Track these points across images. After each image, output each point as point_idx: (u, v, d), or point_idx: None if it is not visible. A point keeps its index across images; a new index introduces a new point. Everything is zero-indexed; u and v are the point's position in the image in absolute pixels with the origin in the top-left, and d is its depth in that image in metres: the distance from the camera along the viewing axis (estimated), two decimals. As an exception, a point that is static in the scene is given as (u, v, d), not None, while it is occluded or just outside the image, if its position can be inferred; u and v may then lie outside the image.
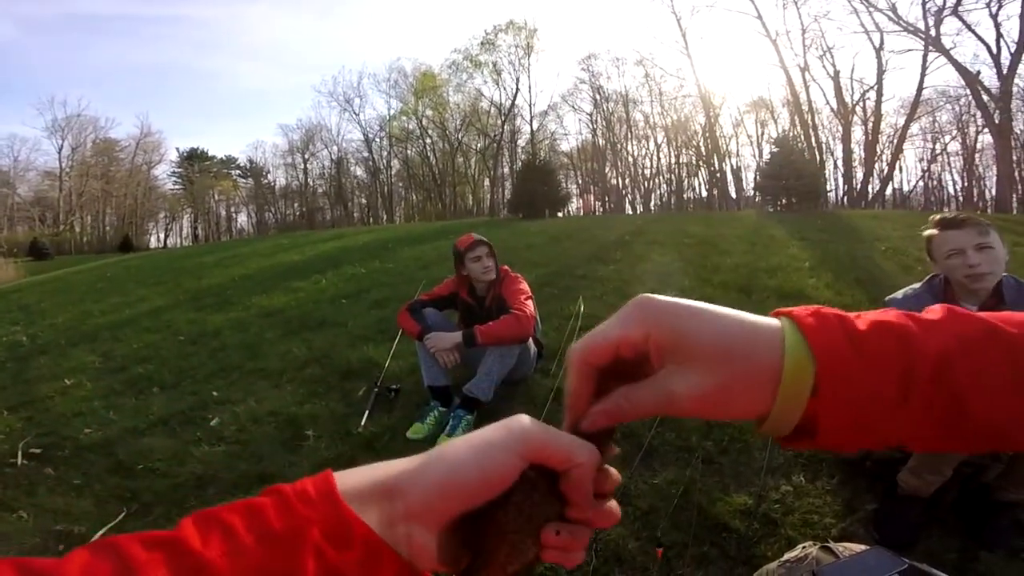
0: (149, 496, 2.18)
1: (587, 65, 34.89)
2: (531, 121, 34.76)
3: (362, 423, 2.56)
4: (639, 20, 60.77)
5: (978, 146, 27.52)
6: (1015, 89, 20.23)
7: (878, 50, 25.43)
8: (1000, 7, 20.24)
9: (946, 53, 21.86)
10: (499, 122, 34.75)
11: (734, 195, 31.86)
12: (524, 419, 0.32)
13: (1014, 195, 21.66)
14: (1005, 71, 20.36)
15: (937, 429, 0.30)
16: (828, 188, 25.50)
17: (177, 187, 44.55)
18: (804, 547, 1.23)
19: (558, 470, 0.32)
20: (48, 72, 59.02)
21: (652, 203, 35.96)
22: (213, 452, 2.49)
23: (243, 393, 3.17)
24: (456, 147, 36.40)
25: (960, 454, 1.56)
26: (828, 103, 28.58)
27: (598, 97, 35.01)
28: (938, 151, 29.51)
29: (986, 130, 23.56)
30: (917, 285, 1.79)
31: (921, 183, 31.27)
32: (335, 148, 39.84)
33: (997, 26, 20.62)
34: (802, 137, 25.81)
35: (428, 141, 36.89)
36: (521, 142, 35.40)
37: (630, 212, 31.60)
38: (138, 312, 6.04)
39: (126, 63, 64.23)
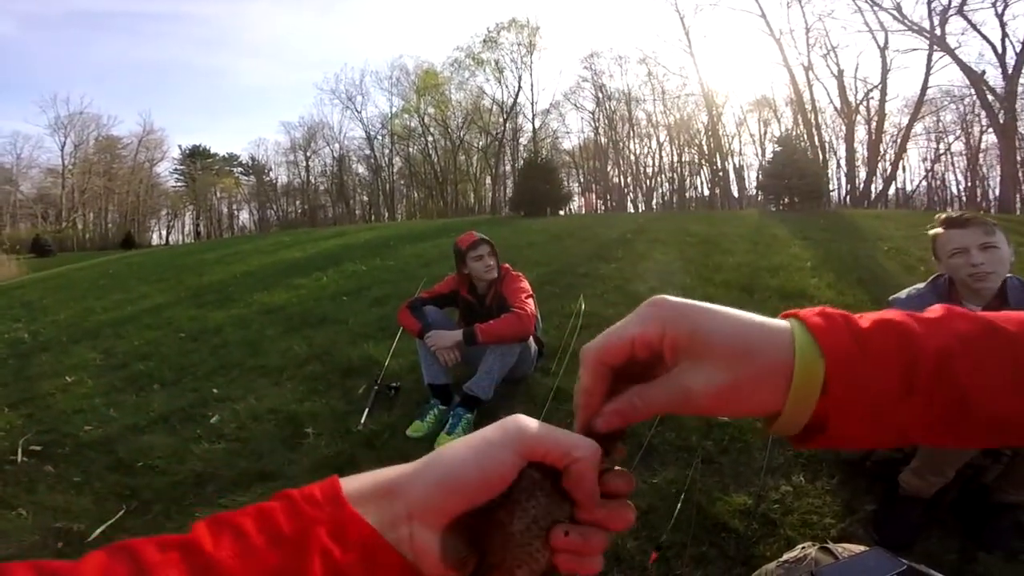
0: (149, 494, 2.18)
1: (589, 63, 34.86)
2: (533, 119, 34.76)
3: (362, 421, 2.56)
4: (642, 18, 60.62)
5: (982, 146, 27.43)
6: (1020, 89, 20.10)
7: (882, 49, 25.33)
8: (1006, 7, 20.17)
9: (951, 53, 21.78)
10: (501, 120, 34.72)
11: (736, 194, 31.80)
12: (521, 417, 0.33)
13: (1018, 195, 21.57)
14: (1010, 71, 20.28)
15: (942, 424, 0.31)
16: (831, 187, 25.40)
17: (179, 184, 44.67)
18: (803, 547, 1.22)
19: (558, 467, 0.31)
20: (50, 70, 59.18)
21: (654, 202, 35.90)
22: (213, 450, 2.49)
23: (243, 390, 3.17)
24: (458, 145, 36.38)
25: (964, 455, 1.55)
26: (832, 102, 28.52)
27: (600, 95, 34.98)
28: (942, 151, 29.41)
29: (990, 130, 23.47)
30: (921, 285, 1.78)
31: (924, 183, 31.17)
32: (337, 146, 39.93)
33: (1003, 25, 20.55)
34: (805, 136, 25.71)
35: (430, 139, 36.89)
36: (523, 140, 35.37)
37: (632, 211, 31.57)
38: (139, 309, 6.05)
39: (128, 60, 64.37)
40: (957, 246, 1.62)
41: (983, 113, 23.27)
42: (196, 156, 44.22)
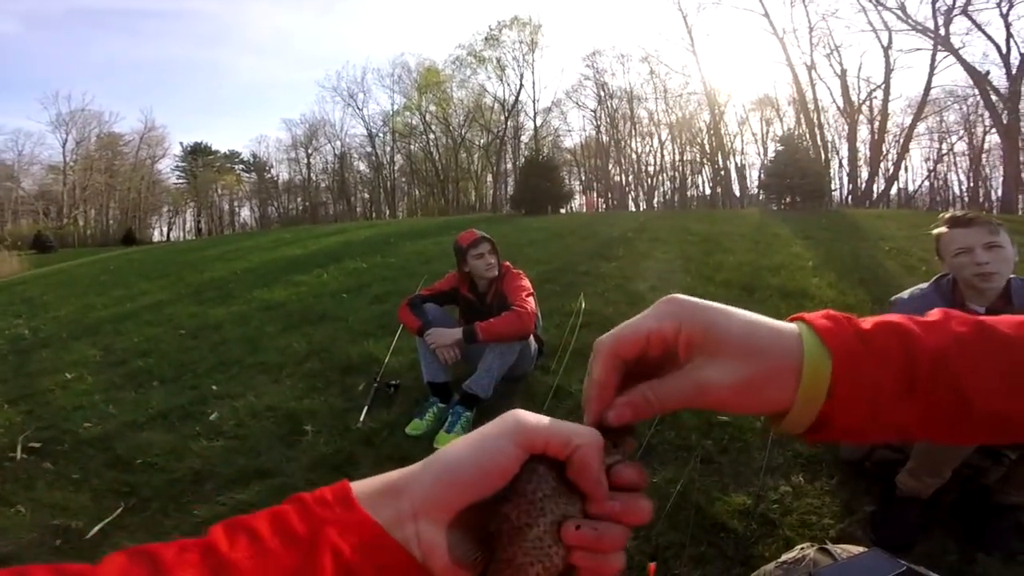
0: (147, 491, 2.18)
1: (591, 61, 34.77)
2: (535, 117, 34.67)
3: (361, 418, 2.55)
4: (645, 16, 60.31)
5: (985, 147, 27.32)
6: (1024, 89, 20.05)
7: (886, 49, 25.23)
8: (1011, 7, 20.08)
9: (955, 53, 21.69)
10: (502, 118, 34.65)
11: (738, 193, 31.74)
12: (519, 411, 0.33)
13: (1020, 196, 21.49)
14: (1014, 71, 20.20)
15: (940, 421, 0.32)
16: (833, 187, 25.35)
17: (180, 181, 44.62)
18: (802, 548, 1.22)
19: (560, 457, 0.31)
20: (52, 67, 59.07)
21: (656, 200, 35.85)
22: (211, 447, 2.49)
23: (242, 387, 3.17)
24: (459, 143, 36.32)
25: (959, 456, 1.54)
26: (834, 101, 28.40)
27: (602, 94, 34.91)
28: (944, 151, 29.31)
29: (993, 130, 23.40)
30: (924, 285, 1.77)
31: (927, 183, 31.08)
32: (338, 143, 39.86)
33: (1007, 26, 20.46)
34: (807, 135, 25.63)
35: (431, 136, 36.81)
36: (524, 138, 35.30)
37: (633, 209, 31.53)
38: (140, 305, 6.06)
39: (129, 57, 64.19)
40: (961, 245, 1.61)
41: (986, 113, 23.20)
42: (197, 153, 44.21)
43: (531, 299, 2.59)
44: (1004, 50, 20.59)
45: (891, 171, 28.01)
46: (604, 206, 34.76)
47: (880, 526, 1.63)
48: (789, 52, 26.87)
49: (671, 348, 0.34)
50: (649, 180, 36.59)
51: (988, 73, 21.33)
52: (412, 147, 38.12)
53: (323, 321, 4.36)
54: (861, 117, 27.80)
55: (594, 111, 35.52)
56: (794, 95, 28.17)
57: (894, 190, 28.80)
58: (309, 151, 41.45)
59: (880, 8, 23.91)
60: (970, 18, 21.18)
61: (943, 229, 1.68)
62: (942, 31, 22.00)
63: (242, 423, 2.70)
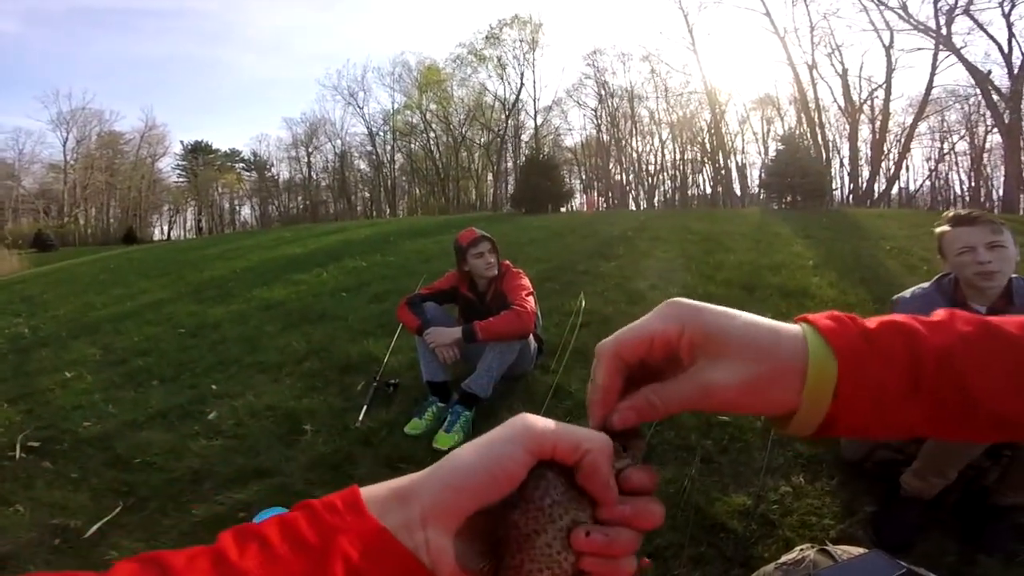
0: (145, 490, 2.17)
1: (592, 60, 34.75)
2: (535, 116, 34.69)
3: (360, 418, 2.55)
4: (645, 15, 60.22)
5: (986, 146, 27.26)
6: (1025, 88, 20.01)
7: (888, 48, 25.17)
8: (1013, 7, 20.05)
9: (957, 52, 21.65)
10: (503, 117, 34.66)
11: (739, 192, 31.71)
12: (527, 415, 0.32)
13: (1022, 195, 21.45)
14: (1016, 71, 20.18)
15: (946, 421, 0.32)
16: (834, 186, 25.30)
17: (181, 180, 44.63)
18: (801, 549, 1.21)
19: (569, 462, 0.31)
20: (52, 65, 59.01)
21: (656, 199, 35.81)
22: (210, 446, 2.49)
23: (242, 387, 3.17)
24: (460, 141, 36.31)
25: (966, 456, 1.53)
26: (835, 101, 28.35)
27: (603, 93, 34.88)
28: (946, 151, 29.26)
29: (995, 130, 23.35)
30: (926, 284, 1.76)
31: (928, 183, 31.04)
32: (339, 142, 39.85)
33: (1009, 26, 20.43)
34: (808, 135, 25.60)
35: (432, 135, 36.81)
36: (525, 137, 35.30)
37: (634, 208, 31.50)
38: (140, 304, 6.06)
39: (130, 56, 64.06)
40: (964, 244, 1.60)
41: (988, 113, 23.16)
42: (198, 152, 44.21)
43: (531, 298, 2.59)
44: (1006, 50, 20.59)
45: (892, 170, 28.00)
46: (605, 205, 34.74)
47: (881, 527, 1.62)
48: (790, 51, 26.85)
49: (674, 351, 0.34)
50: (650, 179, 36.56)
51: (990, 73, 21.33)
52: (412, 146, 38.14)
53: (322, 320, 4.36)
54: (862, 116, 27.78)
55: (595, 110, 35.54)
56: (795, 94, 28.15)
57: (895, 189, 28.81)
58: (310, 150, 41.48)
59: (882, 7, 23.89)
60: (972, 18, 21.17)
61: (946, 228, 1.68)
62: (944, 31, 21.98)
63: (241, 422, 2.69)
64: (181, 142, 44.78)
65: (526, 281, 2.70)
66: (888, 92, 26.26)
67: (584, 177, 38.58)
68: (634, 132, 35.74)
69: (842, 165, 29.50)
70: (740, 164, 33.08)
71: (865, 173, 27.56)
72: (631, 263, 5.50)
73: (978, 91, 22.51)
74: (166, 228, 45.01)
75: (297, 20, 66.30)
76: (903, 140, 27.16)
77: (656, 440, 2.12)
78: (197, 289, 6.49)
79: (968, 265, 1.59)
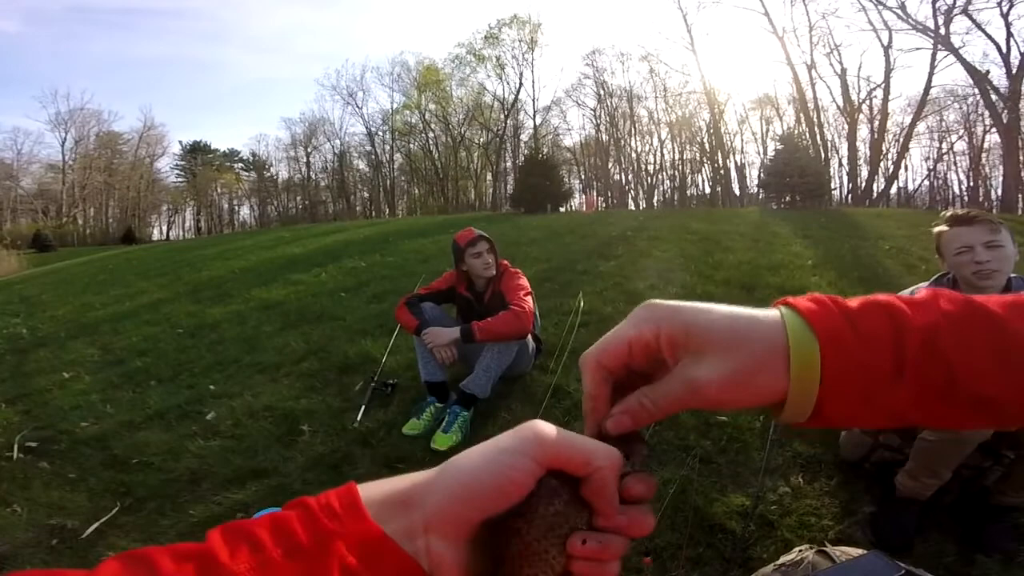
0: (143, 491, 2.17)
1: (591, 60, 34.76)
2: (534, 116, 34.69)
3: (358, 418, 2.54)
4: (644, 16, 60.35)
5: (985, 146, 27.28)
6: (1024, 88, 20.02)
7: (886, 48, 25.19)
8: (1011, 7, 20.04)
9: (955, 52, 21.66)
10: (502, 117, 34.65)
11: (738, 192, 31.74)
12: (538, 424, 0.32)
13: (1020, 195, 21.48)
14: (1014, 70, 20.17)
15: (930, 402, 0.31)
16: (832, 186, 25.31)
17: (180, 180, 44.61)
18: (800, 550, 1.21)
19: (579, 475, 0.31)
20: (51, 65, 59.07)
21: (655, 199, 35.81)
22: (208, 447, 2.48)
23: (240, 387, 3.16)
24: (459, 141, 36.31)
25: (958, 456, 1.53)
26: (834, 101, 28.36)
27: (602, 92, 34.88)
28: (944, 150, 29.27)
29: (993, 130, 23.37)
30: (924, 284, 1.76)
31: (926, 182, 31.04)
32: (338, 141, 39.85)
33: (1008, 25, 20.43)
34: (807, 134, 25.64)
35: (431, 135, 36.80)
36: (524, 137, 35.30)
37: (633, 208, 31.49)
38: (138, 304, 6.04)
39: (128, 56, 64.11)
40: (962, 244, 1.60)
41: (986, 113, 23.17)
42: (197, 152, 44.18)
43: (529, 298, 2.58)
44: (1004, 49, 20.58)
45: (891, 170, 28.01)
46: (604, 205, 34.74)
47: (879, 527, 1.62)
48: (789, 51, 26.89)
49: (656, 353, 0.33)
50: (649, 179, 36.58)
51: (988, 72, 21.32)
52: (411, 146, 38.12)
53: (321, 320, 4.35)
54: (861, 116, 27.79)
55: (594, 110, 35.55)
56: (794, 94, 28.18)
57: (894, 189, 28.80)
58: (308, 150, 41.45)
59: (880, 7, 23.91)
60: (970, 17, 21.17)
61: (943, 227, 1.67)
62: (942, 30, 21.98)
63: (239, 423, 2.69)
64: (180, 142, 44.85)
65: (524, 281, 2.69)
66: (887, 92, 26.31)
67: (583, 177, 38.59)
68: (633, 132, 35.79)
69: (841, 165, 29.52)
70: (739, 164, 33.16)
71: (864, 173, 27.60)
72: (630, 263, 5.50)
73: (976, 91, 22.53)
74: (165, 228, 45.01)
75: (296, 20, 66.38)
76: (902, 140, 27.20)
77: (655, 441, 2.12)
78: (196, 289, 6.48)
79: (966, 265, 1.59)
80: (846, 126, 28.26)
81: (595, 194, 37.11)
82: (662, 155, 36.10)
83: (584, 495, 0.31)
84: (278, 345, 3.83)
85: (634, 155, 36.44)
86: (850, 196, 27.15)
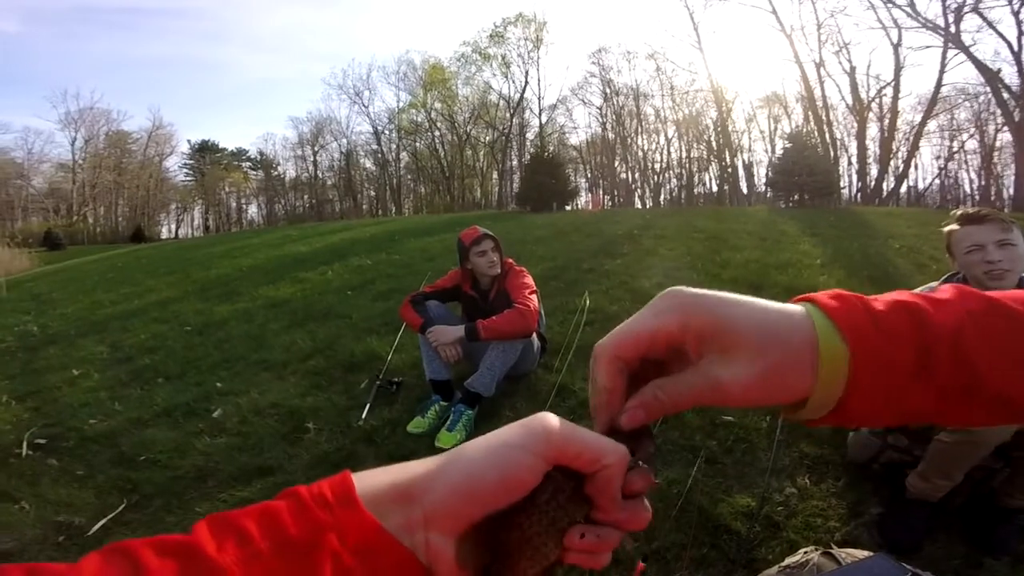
0: (149, 488, 2.18)
1: (597, 58, 34.67)
2: (540, 114, 34.66)
3: (363, 416, 2.55)
4: (651, 14, 59.83)
5: (997, 144, 26.94)
6: (1036, 86, 19.77)
7: (896, 46, 24.95)
8: (1022, 4, 19.79)
9: (966, 50, 21.43)
10: (508, 115, 34.67)
11: (745, 191, 31.54)
12: (546, 417, 0.31)
13: (1032, 193, 21.22)
14: (1026, 67, 19.93)
15: (955, 402, 0.31)
16: (842, 185, 25.09)
17: (188, 179, 44.97)
18: (806, 552, 1.20)
19: (585, 471, 0.30)
20: (58, 65, 59.79)
21: (662, 198, 35.67)
22: (214, 444, 2.49)
23: (246, 384, 3.18)
24: (465, 140, 36.36)
25: (971, 458, 1.51)
26: (843, 99, 28.16)
27: (608, 91, 34.80)
28: (955, 149, 28.94)
29: (1005, 128, 23.09)
30: (934, 284, 1.74)
31: (937, 181, 30.72)
32: (344, 140, 39.99)
33: (1019, 23, 20.19)
34: (816, 133, 25.40)
35: (437, 134, 36.88)
36: (530, 135, 35.32)
37: (639, 207, 31.37)
38: (147, 302, 6.09)
39: (135, 55, 64.50)
40: (973, 243, 1.57)
41: (998, 111, 22.91)
42: (205, 151, 44.47)
43: (534, 297, 2.58)
44: (1016, 47, 20.34)
45: (901, 169, 27.76)
46: (610, 203, 34.66)
47: (887, 529, 1.60)
48: (797, 49, 26.71)
49: (678, 344, 0.32)
50: (655, 177, 36.42)
51: (1000, 71, 21.08)
52: (418, 144, 38.21)
53: (327, 318, 4.37)
54: (870, 115, 27.55)
55: (600, 108, 35.46)
56: (802, 92, 27.97)
57: (904, 188, 28.56)
58: (315, 149, 41.62)
59: (889, 5, 23.69)
60: (981, 15, 20.93)
61: (954, 226, 1.65)
62: (952, 28, 21.74)
63: (245, 420, 2.70)
64: (188, 141, 45.12)
65: (529, 279, 2.69)
66: (896, 90, 26.07)
67: (589, 175, 38.49)
68: (640, 130, 35.67)
69: (850, 163, 29.29)
70: (747, 162, 32.97)
71: (873, 171, 27.39)
72: (636, 261, 5.47)
73: (988, 89, 22.28)
74: (174, 227, 45.33)
75: (297, 20, 66.62)
76: (912, 138, 26.95)
77: (660, 440, 2.11)
78: (204, 287, 6.52)
79: (977, 264, 1.56)
80: (855, 124, 28.05)
81: (601, 192, 37.04)
82: (669, 153, 35.99)
83: (587, 490, 0.30)
84: (284, 343, 3.84)
85: (641, 153, 36.34)
86: (859, 195, 26.94)
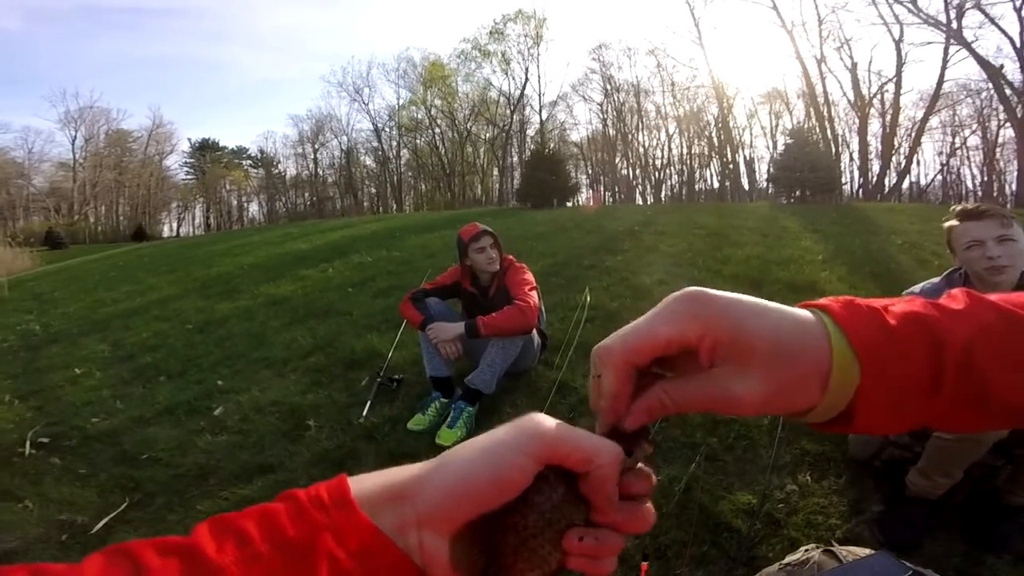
0: (152, 486, 2.19)
1: (598, 55, 34.48)
2: (540, 111, 34.53)
3: (363, 413, 2.55)
4: (651, 9, 59.71)
5: (999, 140, 26.80)
6: (1038, 81, 19.68)
7: (897, 42, 24.81)
8: (1024, 0, 19.68)
9: (968, 46, 21.33)
10: (508, 112, 34.55)
11: (747, 187, 31.45)
12: (538, 417, 0.31)
13: (1035, 189, 21.15)
14: (1029, 63, 19.84)
15: (964, 413, 0.31)
16: (843, 181, 25.02)
17: (189, 177, 44.90)
18: (806, 550, 1.20)
19: (578, 471, 0.30)
20: (58, 64, 59.53)
21: (663, 194, 35.58)
22: (216, 442, 2.50)
23: (247, 382, 3.18)
24: (465, 137, 36.28)
25: (971, 456, 1.51)
26: (845, 95, 28.00)
27: (609, 87, 34.63)
28: (957, 145, 28.81)
29: (1007, 124, 23.01)
30: (936, 279, 1.73)
31: (939, 177, 30.60)
32: (345, 138, 39.87)
33: (1021, 20, 20.08)
34: (817, 129, 25.31)
35: (437, 131, 36.78)
36: (530, 132, 35.21)
37: (640, 203, 31.32)
38: (148, 301, 6.10)
39: (135, 55, 64.20)
40: (973, 238, 1.57)
41: (1000, 107, 22.81)
42: (205, 149, 44.42)
43: (534, 293, 2.58)
44: (1018, 43, 20.23)
45: (903, 165, 27.65)
46: (611, 200, 34.61)
47: (888, 527, 1.60)
48: (798, 45, 26.58)
49: (691, 350, 0.32)
50: (656, 174, 36.32)
51: (1002, 67, 20.98)
52: (418, 141, 38.12)
53: (328, 315, 4.37)
54: (872, 111, 27.44)
55: (600, 104, 35.30)
56: (804, 88, 27.83)
57: (906, 184, 28.46)
58: (316, 146, 41.52)
59: (891, 1, 23.55)
60: (983, 11, 20.82)
61: (954, 222, 1.64)
62: (954, 24, 21.63)
63: (246, 418, 2.71)
64: (188, 140, 45.04)
65: (529, 276, 2.68)
66: (898, 86, 25.96)
67: (590, 172, 38.40)
68: (640, 126, 35.51)
69: (852, 159, 29.13)
70: (748, 158, 32.84)
71: (875, 167, 27.29)
72: (637, 258, 5.46)
73: (990, 85, 22.18)
74: (175, 225, 45.33)
75: (297, 19, 66.27)
76: (914, 134, 26.82)
77: (661, 437, 2.10)
78: (205, 285, 6.53)
79: (977, 260, 1.56)
80: (857, 120, 27.92)
81: (602, 189, 36.96)
82: (670, 150, 35.84)
83: (582, 491, 0.30)
84: (285, 340, 3.85)
85: (641, 150, 36.21)
86: (861, 191, 26.86)
